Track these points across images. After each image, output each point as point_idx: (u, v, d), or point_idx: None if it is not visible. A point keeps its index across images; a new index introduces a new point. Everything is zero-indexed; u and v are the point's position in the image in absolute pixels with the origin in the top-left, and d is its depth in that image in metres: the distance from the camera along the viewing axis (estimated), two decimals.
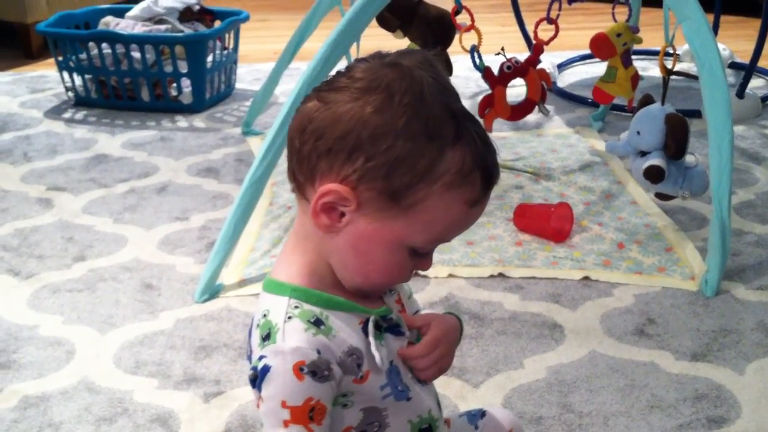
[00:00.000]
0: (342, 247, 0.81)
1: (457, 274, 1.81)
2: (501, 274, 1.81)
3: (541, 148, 2.49)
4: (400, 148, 0.76)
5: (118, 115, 2.86)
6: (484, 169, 0.79)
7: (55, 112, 2.91)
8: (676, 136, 1.81)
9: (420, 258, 0.83)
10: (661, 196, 1.94)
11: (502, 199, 2.15)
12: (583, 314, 1.67)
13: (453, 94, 0.80)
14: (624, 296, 1.73)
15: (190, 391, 1.46)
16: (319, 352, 0.77)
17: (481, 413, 1.05)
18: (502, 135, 2.58)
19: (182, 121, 2.81)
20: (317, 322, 0.79)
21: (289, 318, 0.79)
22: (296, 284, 0.82)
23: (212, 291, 1.75)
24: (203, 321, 1.66)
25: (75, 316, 1.69)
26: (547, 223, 1.94)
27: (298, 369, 0.76)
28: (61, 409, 1.42)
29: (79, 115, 2.88)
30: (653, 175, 1.82)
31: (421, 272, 0.86)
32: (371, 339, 0.81)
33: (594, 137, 2.57)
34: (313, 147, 0.78)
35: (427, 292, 1.74)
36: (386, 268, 0.81)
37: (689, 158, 1.85)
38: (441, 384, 1.45)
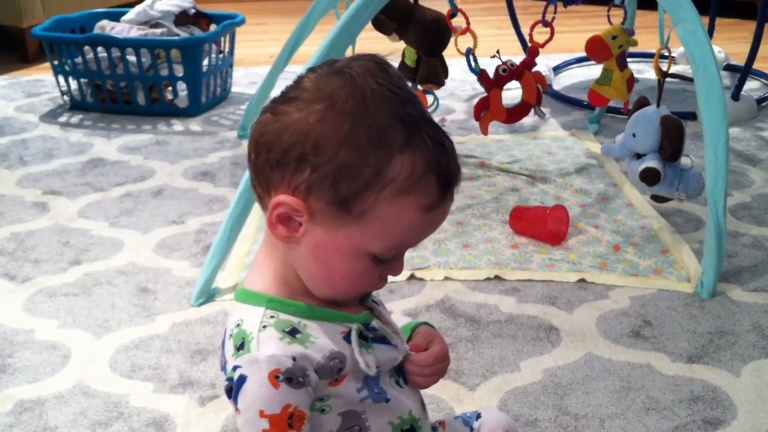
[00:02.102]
0: (304, 256, 0.80)
1: (453, 276, 1.81)
2: (497, 277, 1.81)
3: (537, 151, 2.49)
4: (343, 156, 0.75)
5: (114, 119, 2.86)
6: (440, 174, 0.77)
7: (50, 116, 2.91)
8: (672, 139, 1.81)
9: (386, 264, 0.81)
10: (656, 198, 1.95)
11: (498, 202, 2.15)
12: (579, 316, 1.67)
13: (404, 99, 0.77)
14: (620, 298, 1.73)
15: (186, 395, 1.46)
16: (294, 359, 0.77)
17: (477, 415, 1.05)
18: (498, 138, 2.59)
19: (178, 125, 2.81)
20: (293, 332, 0.79)
21: (264, 327, 0.79)
22: (273, 295, 0.82)
23: (208, 295, 1.74)
24: (199, 325, 1.66)
25: (71, 320, 1.69)
26: (543, 226, 1.94)
27: (274, 377, 0.76)
28: (57, 414, 1.42)
29: (75, 119, 2.88)
30: (649, 177, 1.82)
31: (391, 277, 0.84)
32: (354, 346, 0.81)
33: (590, 140, 2.57)
34: (266, 159, 0.78)
35: (423, 295, 1.74)
36: (349, 276, 0.80)
37: (685, 160, 1.85)
38: (437, 387, 1.44)
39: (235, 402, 0.77)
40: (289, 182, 0.77)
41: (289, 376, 0.76)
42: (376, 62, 0.79)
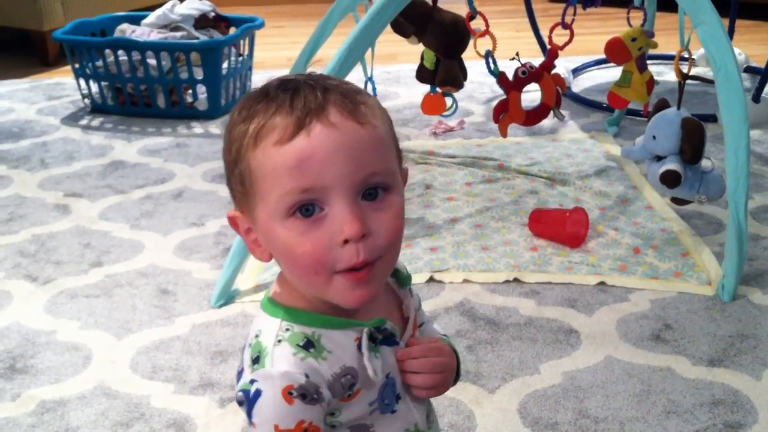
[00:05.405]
0: (278, 262, 0.81)
1: (472, 279, 1.81)
2: (516, 280, 1.81)
3: (556, 153, 2.49)
4: (226, 145, 0.80)
5: (134, 121, 2.88)
6: (287, 109, 0.75)
7: (71, 119, 2.93)
8: (692, 141, 1.80)
9: (323, 221, 0.76)
10: (677, 200, 1.94)
11: (517, 204, 2.15)
12: (599, 319, 1.66)
13: (289, 78, 0.79)
14: (640, 301, 1.72)
15: (206, 397, 1.46)
16: (307, 376, 0.77)
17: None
18: (517, 140, 2.59)
19: (198, 128, 2.83)
20: (307, 345, 0.78)
21: (279, 341, 0.78)
22: (289, 305, 0.81)
23: (228, 296, 1.75)
24: (219, 326, 1.67)
25: (92, 321, 1.70)
26: (563, 228, 1.94)
27: (288, 393, 0.75)
28: (79, 414, 1.43)
29: (96, 122, 2.90)
30: (669, 179, 1.82)
31: (349, 237, 0.75)
32: (365, 351, 0.80)
33: (609, 142, 2.56)
34: None
35: (442, 298, 1.74)
36: (290, 253, 0.77)
37: (705, 163, 1.84)
38: (457, 389, 1.45)
39: (250, 415, 0.77)
40: (232, 200, 0.82)
41: (303, 393, 0.76)
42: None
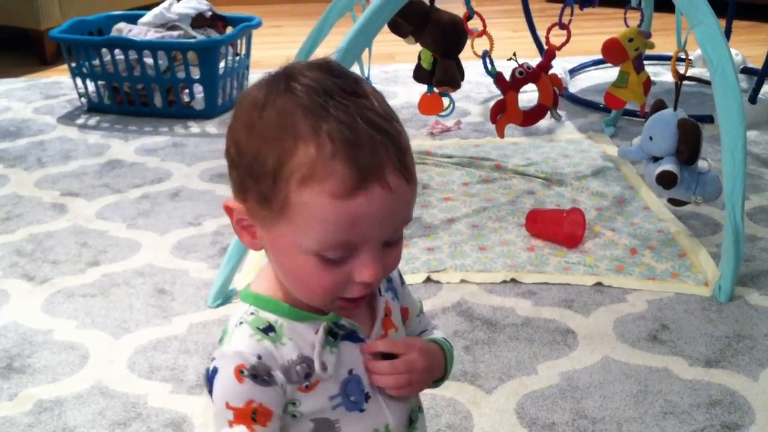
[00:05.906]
0: (272, 261, 0.81)
1: (469, 279, 1.81)
2: (513, 280, 1.81)
3: (553, 154, 2.49)
4: (253, 149, 0.76)
5: (131, 121, 2.88)
6: (349, 158, 0.72)
7: (68, 118, 2.93)
8: (689, 142, 1.80)
9: (346, 265, 0.76)
10: (673, 201, 1.94)
11: (515, 205, 2.15)
12: (596, 320, 1.67)
13: (320, 90, 0.74)
14: (637, 302, 1.72)
15: (204, 396, 1.46)
16: (260, 357, 0.78)
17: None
18: (514, 140, 2.59)
19: (195, 127, 2.82)
20: (267, 329, 0.80)
21: (240, 323, 0.80)
22: (259, 293, 0.83)
23: (225, 296, 1.75)
24: (216, 326, 1.67)
25: (89, 320, 1.70)
26: (560, 229, 1.94)
27: (239, 372, 0.77)
28: (76, 414, 1.43)
29: (93, 121, 2.90)
30: (666, 180, 1.82)
31: (369, 282, 0.76)
32: (317, 345, 0.80)
33: (606, 142, 2.56)
34: (228, 171, 0.82)
35: (439, 298, 1.74)
36: (303, 277, 0.78)
37: (702, 163, 1.85)
38: (454, 389, 1.45)
39: (210, 392, 0.79)
40: (235, 189, 0.80)
41: (254, 373, 0.77)
42: (314, 63, 0.79)
